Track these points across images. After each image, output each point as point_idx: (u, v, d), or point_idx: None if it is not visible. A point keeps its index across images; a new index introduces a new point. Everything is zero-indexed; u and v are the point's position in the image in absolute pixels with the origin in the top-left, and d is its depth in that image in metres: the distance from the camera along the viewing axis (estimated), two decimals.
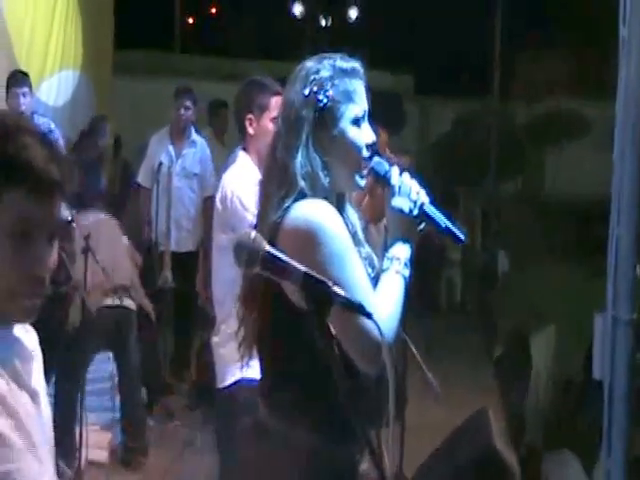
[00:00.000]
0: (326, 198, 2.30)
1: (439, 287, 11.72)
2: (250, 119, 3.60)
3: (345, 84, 2.34)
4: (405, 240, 2.37)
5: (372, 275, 2.34)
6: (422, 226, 2.40)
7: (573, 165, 13.38)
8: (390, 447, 2.29)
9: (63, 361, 5.05)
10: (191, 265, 6.47)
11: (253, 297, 2.33)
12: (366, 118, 2.39)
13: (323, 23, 23.09)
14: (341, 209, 2.40)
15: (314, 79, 2.32)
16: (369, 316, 1.98)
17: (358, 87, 2.37)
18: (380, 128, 4.34)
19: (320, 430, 2.26)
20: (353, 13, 22.64)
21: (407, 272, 2.34)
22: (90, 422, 5.12)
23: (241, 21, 22.87)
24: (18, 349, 1.62)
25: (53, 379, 5.10)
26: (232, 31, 23.06)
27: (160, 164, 6.65)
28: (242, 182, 3.45)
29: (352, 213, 2.47)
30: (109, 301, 5.39)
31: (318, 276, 1.92)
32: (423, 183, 2.42)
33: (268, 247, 1.94)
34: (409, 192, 2.37)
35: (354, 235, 2.38)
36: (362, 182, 2.39)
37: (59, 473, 4.66)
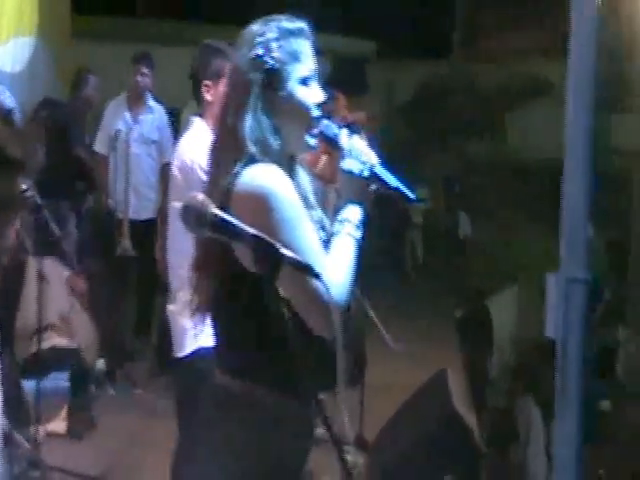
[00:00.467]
0: (277, 162, 2.30)
1: (403, 250, 11.76)
2: (207, 85, 3.57)
3: (291, 45, 2.34)
4: (356, 202, 2.37)
5: (324, 238, 2.34)
6: (373, 187, 2.40)
7: (537, 127, 13.41)
8: (344, 409, 2.29)
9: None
10: (151, 232, 6.44)
11: (206, 263, 2.33)
12: (315, 78, 2.39)
13: None
14: (292, 172, 2.40)
15: (260, 41, 2.32)
16: (318, 277, 1.99)
17: (305, 47, 2.37)
18: (338, 92, 4.32)
19: (275, 394, 2.28)
20: None
21: (359, 234, 2.34)
22: (48, 393, 5.10)
23: None
24: None
25: None
26: None
27: (117, 131, 6.57)
28: (201, 149, 3.42)
29: (303, 176, 2.47)
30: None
31: (267, 238, 1.92)
32: (374, 144, 2.42)
33: (216, 210, 1.94)
34: (359, 154, 2.37)
35: (305, 199, 2.38)
36: (312, 142, 2.39)
37: (15, 445, 4.67)
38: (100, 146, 6.86)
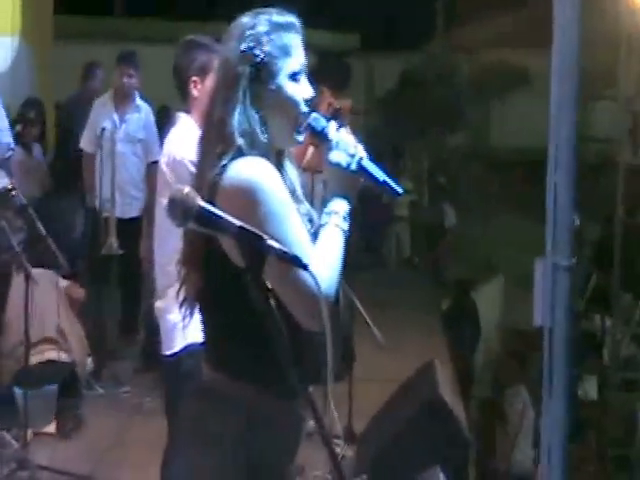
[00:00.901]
0: (264, 155, 2.28)
1: (389, 243, 11.78)
2: (195, 81, 3.57)
3: (281, 38, 2.32)
4: (343, 194, 2.37)
5: (311, 231, 2.34)
6: (361, 180, 2.40)
7: (518, 116, 13.45)
8: (332, 402, 2.29)
9: None
10: (136, 231, 6.42)
11: (193, 257, 2.32)
12: (304, 73, 2.38)
13: None
14: (280, 166, 2.39)
15: (250, 34, 2.30)
16: (305, 268, 1.99)
17: (295, 41, 2.35)
18: (323, 86, 4.33)
19: (263, 388, 2.26)
20: None
21: (346, 226, 2.33)
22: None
23: None
24: None
25: None
26: None
27: (103, 129, 6.55)
28: (189, 145, 3.41)
29: (291, 170, 2.46)
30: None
31: (253, 229, 1.92)
32: (361, 139, 2.42)
33: (202, 202, 1.94)
34: (347, 147, 2.37)
35: (293, 192, 2.37)
36: (300, 138, 2.38)
37: (5, 445, 4.65)
38: (86, 144, 6.84)
